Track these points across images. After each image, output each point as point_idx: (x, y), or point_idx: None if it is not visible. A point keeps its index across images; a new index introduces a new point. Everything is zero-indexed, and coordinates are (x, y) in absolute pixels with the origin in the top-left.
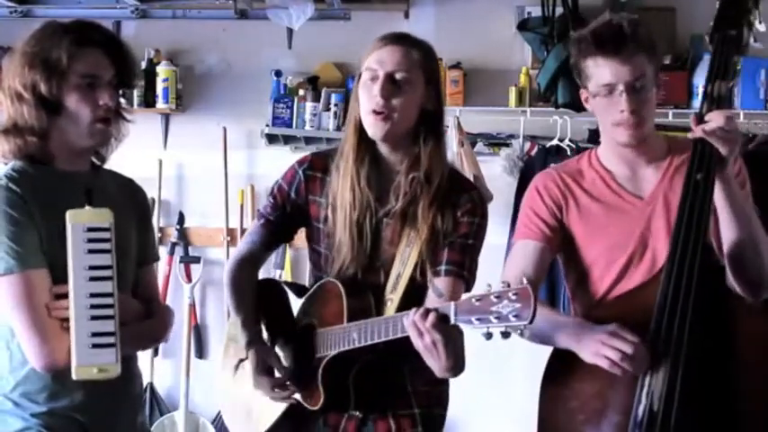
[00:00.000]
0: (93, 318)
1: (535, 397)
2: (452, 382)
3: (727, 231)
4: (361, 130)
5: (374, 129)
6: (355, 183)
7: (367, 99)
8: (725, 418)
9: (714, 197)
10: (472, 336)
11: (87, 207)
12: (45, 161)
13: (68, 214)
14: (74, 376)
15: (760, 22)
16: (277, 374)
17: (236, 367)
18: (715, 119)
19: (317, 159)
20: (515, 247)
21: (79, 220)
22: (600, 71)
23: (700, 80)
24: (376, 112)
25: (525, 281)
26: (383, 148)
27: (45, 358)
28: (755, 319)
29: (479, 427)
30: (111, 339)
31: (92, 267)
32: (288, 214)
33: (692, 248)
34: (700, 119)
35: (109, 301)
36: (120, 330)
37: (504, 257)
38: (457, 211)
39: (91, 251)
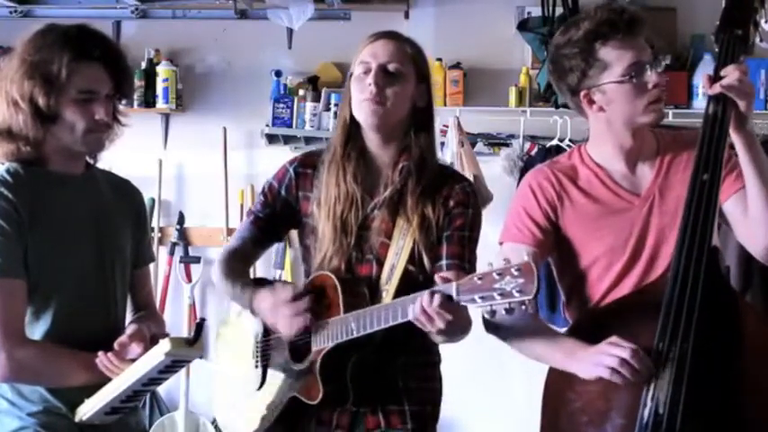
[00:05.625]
0: (124, 402)
1: (534, 397)
2: (451, 382)
3: (757, 190)
4: (349, 127)
5: (368, 115)
6: (341, 178)
7: (360, 90)
8: (730, 424)
9: (740, 157)
10: (472, 336)
11: (189, 346)
12: (39, 164)
13: (167, 344)
14: (75, 418)
15: (766, 21)
16: (287, 296)
17: (238, 314)
18: (732, 73)
19: (308, 157)
20: (505, 250)
21: (173, 353)
22: (622, 53)
23: (700, 80)
24: (369, 100)
25: (526, 256)
26: (373, 144)
27: (1, 369)
28: (762, 322)
29: (479, 427)
30: (125, 411)
31: (153, 379)
32: (278, 212)
33: (698, 251)
34: (714, 78)
35: (146, 395)
36: None
37: None
38: (449, 201)
39: (163, 372)
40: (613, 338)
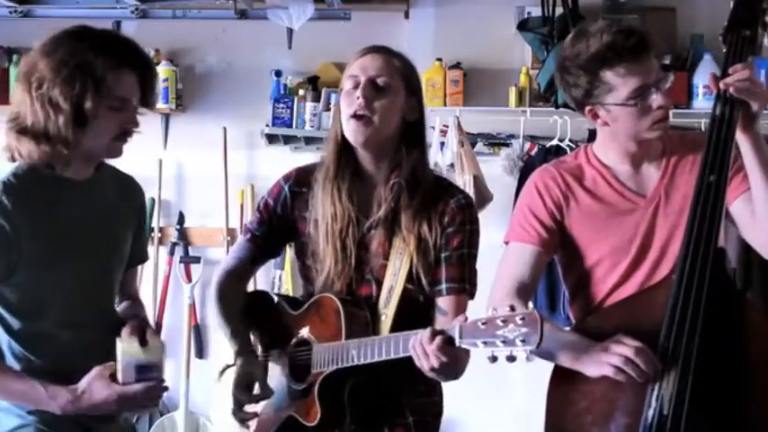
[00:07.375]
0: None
1: (535, 397)
2: (452, 381)
3: (763, 190)
4: (341, 145)
5: (355, 134)
6: (336, 197)
7: (348, 104)
8: (735, 425)
9: (745, 158)
10: None
11: (141, 347)
12: (51, 167)
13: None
14: None
15: None
16: (256, 390)
17: (221, 372)
18: (741, 72)
19: (302, 175)
20: (510, 250)
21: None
22: (627, 79)
23: (700, 80)
24: (357, 116)
25: (532, 306)
26: (365, 161)
27: None
28: (767, 323)
29: (479, 427)
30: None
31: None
32: (274, 230)
33: (704, 252)
34: (722, 78)
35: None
36: None
37: None
38: (444, 218)
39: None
40: (619, 336)
